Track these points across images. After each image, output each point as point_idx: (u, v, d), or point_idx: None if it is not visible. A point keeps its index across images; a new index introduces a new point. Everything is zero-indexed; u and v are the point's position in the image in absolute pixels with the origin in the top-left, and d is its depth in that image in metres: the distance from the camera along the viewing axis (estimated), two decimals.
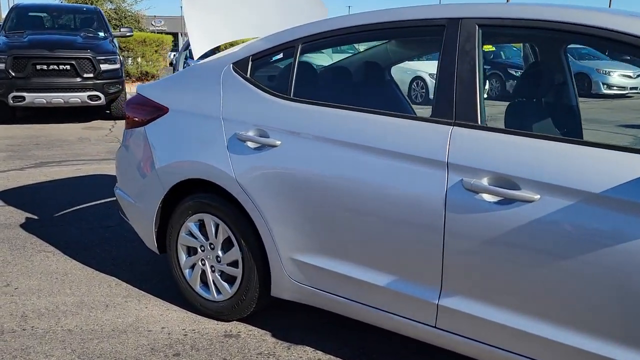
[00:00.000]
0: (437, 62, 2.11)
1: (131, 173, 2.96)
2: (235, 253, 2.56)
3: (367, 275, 2.18)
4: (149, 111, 2.85)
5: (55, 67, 8.55)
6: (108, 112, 9.55)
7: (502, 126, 2.15)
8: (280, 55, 2.56)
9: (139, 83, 14.97)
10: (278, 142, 2.34)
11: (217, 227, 2.62)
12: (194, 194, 2.68)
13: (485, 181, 1.86)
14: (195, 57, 2.87)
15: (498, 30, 2.08)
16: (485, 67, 2.11)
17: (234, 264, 2.60)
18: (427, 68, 11.19)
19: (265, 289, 2.55)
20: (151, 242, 2.90)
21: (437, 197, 1.94)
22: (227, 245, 2.61)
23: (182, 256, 2.79)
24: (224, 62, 2.68)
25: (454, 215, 1.91)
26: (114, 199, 4.71)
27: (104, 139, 7.73)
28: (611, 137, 8.17)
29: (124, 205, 3.06)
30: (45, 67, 8.48)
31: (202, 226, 2.70)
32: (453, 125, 1.97)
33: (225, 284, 2.64)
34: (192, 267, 2.78)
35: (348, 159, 2.16)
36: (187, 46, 2.79)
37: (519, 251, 1.81)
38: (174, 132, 2.72)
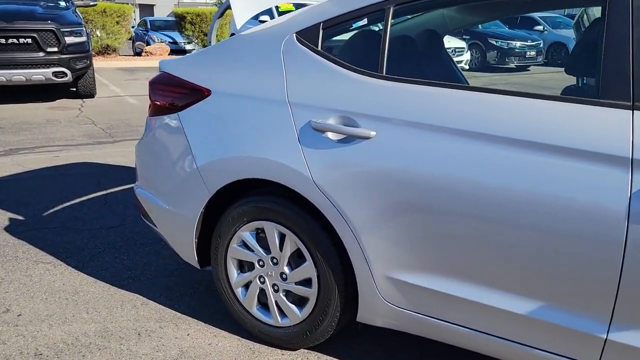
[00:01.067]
0: (585, 23, 1.64)
1: (161, 171, 2.41)
2: (308, 270, 2.07)
3: (503, 301, 1.73)
4: (184, 94, 2.30)
5: (15, 40, 7.66)
6: (74, 89, 8.72)
7: None
8: (364, 21, 2.04)
9: (100, 58, 13.96)
10: (372, 133, 1.84)
11: (282, 237, 2.12)
12: (249, 197, 2.17)
13: None
14: (238, 25, 2.31)
15: None
16: None
17: (306, 282, 2.11)
18: None
19: (348, 313, 2.09)
20: (190, 254, 2.38)
21: (616, 204, 1.49)
22: (295, 260, 2.12)
23: (233, 272, 2.28)
24: (283, 31, 2.14)
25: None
26: (109, 192, 4.14)
27: (76, 121, 6.98)
28: None
29: (150, 209, 2.52)
30: (3, 40, 7.59)
31: (260, 236, 2.19)
32: (633, 110, 1.52)
33: (293, 307, 2.16)
34: (247, 285, 2.28)
35: (474, 153, 1.69)
36: (222, 12, 2.32)
37: None
38: (220, 121, 2.18)
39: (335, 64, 1.99)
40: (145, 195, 2.53)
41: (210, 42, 2.52)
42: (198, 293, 2.70)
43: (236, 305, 2.31)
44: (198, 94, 2.25)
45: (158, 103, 2.39)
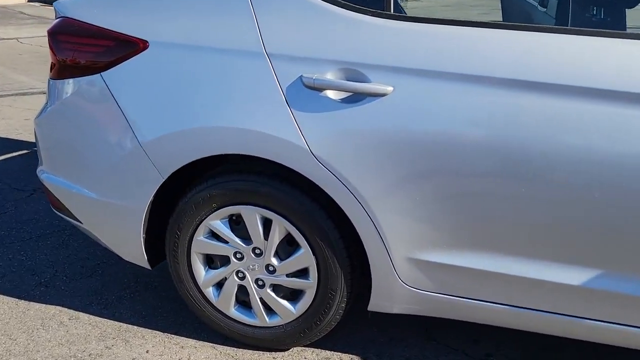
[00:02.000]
0: None
1: (81, 152, 1.84)
2: (304, 259, 1.70)
3: (544, 271, 1.52)
4: (108, 49, 1.72)
5: None
6: None
7: None
8: None
9: None
10: (389, 89, 1.47)
11: (266, 223, 1.71)
12: (217, 178, 1.71)
13: None
14: None
15: None
16: None
17: (301, 273, 1.75)
18: None
19: (353, 303, 1.78)
20: (137, 253, 1.88)
21: None
22: (284, 249, 1.74)
23: (200, 270, 1.84)
24: None
25: None
26: None
27: None
28: None
29: (66, 200, 1.94)
30: None
31: (234, 224, 1.76)
32: None
33: (285, 303, 1.79)
34: (219, 284, 1.86)
35: (522, 106, 1.40)
36: None
37: None
38: (168, 83, 1.66)
39: (330, 2, 1.55)
40: (56, 183, 1.94)
41: None
42: (138, 293, 2.21)
43: (207, 308, 1.88)
44: (129, 47, 1.69)
45: (68, 61, 1.78)
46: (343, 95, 1.52)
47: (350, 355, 1.86)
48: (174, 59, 1.65)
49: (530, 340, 1.90)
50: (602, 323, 1.53)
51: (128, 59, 1.69)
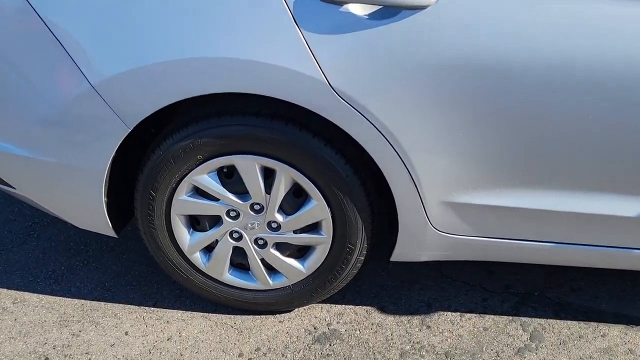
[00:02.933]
0: None
1: (8, 98, 1.37)
2: (317, 211, 1.41)
3: (595, 204, 1.34)
4: None
5: None
6: None
7: None
8: None
9: None
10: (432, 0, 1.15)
11: (266, 174, 1.39)
12: (201, 122, 1.34)
13: None
14: None
15: None
16: None
17: (311, 228, 1.47)
18: None
19: (375, 253, 1.54)
20: (97, 221, 1.50)
21: None
22: (290, 202, 1.44)
23: (184, 234, 1.50)
24: None
25: None
26: None
27: None
28: None
29: None
30: None
31: (226, 177, 1.43)
32: None
33: (292, 261, 1.52)
34: (208, 248, 1.54)
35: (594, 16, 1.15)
36: None
37: None
38: None
39: None
40: None
41: None
42: (93, 258, 1.84)
43: (195, 276, 1.57)
44: None
45: None
46: (372, 9, 1.17)
47: (365, 307, 1.66)
48: None
49: (544, 267, 1.79)
50: None
51: None
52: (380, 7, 1.17)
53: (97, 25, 1.24)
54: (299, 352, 1.52)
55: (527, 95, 1.21)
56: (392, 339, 1.55)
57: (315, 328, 1.59)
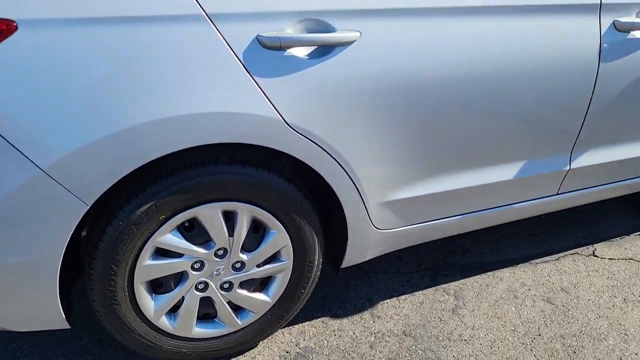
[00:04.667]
0: None
1: None
2: (278, 241, 1.51)
3: (488, 176, 1.72)
4: None
5: None
6: None
7: None
8: None
9: None
10: (356, 34, 1.36)
11: (231, 218, 1.45)
12: (161, 182, 1.34)
13: (635, 17, 1.67)
14: None
15: None
16: None
17: (271, 258, 1.56)
18: None
19: (332, 264, 1.69)
20: (47, 316, 1.37)
21: (592, 42, 1.62)
22: (251, 239, 1.51)
23: (148, 301, 1.46)
24: None
25: (607, 64, 1.67)
26: None
27: None
28: None
29: None
30: None
31: (186, 231, 1.44)
32: None
33: (258, 295, 1.59)
34: (173, 308, 1.51)
35: (484, 29, 1.49)
36: None
37: None
38: (61, 74, 1.17)
39: None
40: None
41: None
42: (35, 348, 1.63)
43: (165, 342, 1.53)
44: None
45: None
46: (310, 49, 1.34)
47: (320, 319, 1.79)
48: (66, 41, 1.17)
49: (437, 241, 2.13)
50: (520, 204, 1.84)
51: None
52: (316, 47, 1.35)
53: (37, 111, 1.17)
54: None
55: (437, 106, 1.50)
56: (356, 337, 1.71)
57: (287, 352, 1.67)
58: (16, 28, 1.13)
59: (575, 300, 1.86)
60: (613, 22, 1.64)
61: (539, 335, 1.72)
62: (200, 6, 1.24)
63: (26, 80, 1.15)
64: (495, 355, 1.64)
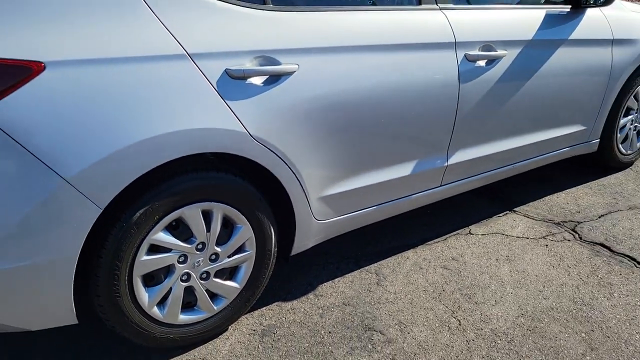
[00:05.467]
0: None
1: None
2: (245, 234, 1.88)
3: (394, 172, 2.24)
4: None
5: None
6: None
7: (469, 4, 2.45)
8: None
9: None
10: (295, 67, 1.82)
11: (207, 216, 1.80)
12: (155, 188, 1.66)
13: (478, 50, 2.32)
14: None
15: None
16: None
17: (238, 250, 1.91)
18: None
19: (284, 253, 2.08)
20: (60, 313, 1.60)
21: (452, 70, 2.23)
22: (222, 234, 1.86)
23: (143, 293, 1.74)
24: None
25: (464, 85, 2.29)
26: None
27: None
28: None
29: None
30: None
31: (175, 228, 1.75)
32: (440, 10, 2.23)
33: (229, 282, 1.92)
34: (163, 299, 1.80)
35: (382, 64, 2.02)
36: None
37: (500, 100, 2.44)
38: (83, 103, 1.48)
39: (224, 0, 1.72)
40: None
41: None
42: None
43: (156, 329, 1.79)
44: (19, 73, 1.41)
45: None
46: (264, 78, 1.77)
47: (275, 304, 2.15)
48: (83, 78, 1.48)
49: (353, 231, 2.61)
50: (416, 194, 2.39)
51: (21, 86, 1.41)
52: (267, 76, 1.78)
53: (61, 133, 1.45)
54: (257, 348, 1.92)
55: (355, 120, 1.99)
56: (307, 311, 2.10)
57: (254, 330, 2.01)
58: (44, 68, 1.43)
59: (464, 265, 2.42)
60: (465, 55, 2.28)
61: (443, 290, 2.24)
62: (184, 48, 1.62)
63: (52, 109, 1.45)
64: (415, 307, 2.12)
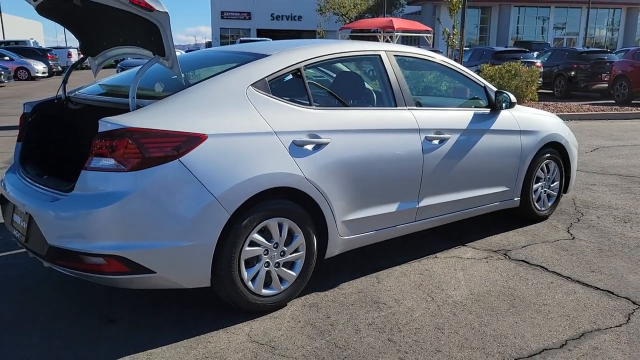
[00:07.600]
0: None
1: (166, 216, 2.60)
2: (299, 240, 3.10)
3: (386, 208, 3.52)
4: (180, 143, 2.64)
5: None
6: None
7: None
8: (290, 76, 3.14)
9: None
10: (328, 140, 3.15)
11: (280, 226, 3.02)
12: (255, 206, 2.88)
13: (434, 134, 3.72)
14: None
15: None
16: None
17: (297, 250, 3.12)
18: None
19: (320, 257, 3.27)
20: (203, 277, 2.76)
21: (417, 146, 3.61)
22: (286, 239, 3.07)
23: (244, 271, 2.91)
24: (240, 83, 2.94)
25: (427, 155, 3.66)
26: None
27: None
28: None
29: (149, 259, 2.60)
30: None
31: (263, 232, 2.96)
32: (409, 110, 3.65)
33: (289, 271, 3.10)
34: (255, 277, 2.96)
35: (377, 140, 3.38)
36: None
37: (449, 165, 3.80)
38: (224, 156, 2.75)
39: (287, 102, 3.07)
40: (141, 247, 2.59)
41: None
42: (138, 313, 2.86)
43: (249, 297, 2.94)
44: (196, 140, 2.68)
45: (151, 155, 2.56)
46: (312, 145, 3.09)
47: (311, 293, 3.31)
48: (225, 143, 2.77)
49: (361, 255, 3.83)
50: (400, 225, 3.66)
51: (195, 147, 2.68)
52: (314, 144, 3.10)
53: (213, 171, 2.71)
54: (307, 314, 3.05)
55: (367, 172, 3.31)
56: (338, 296, 3.26)
57: (304, 305, 3.15)
58: (207, 137, 2.72)
59: (433, 272, 3.64)
60: (425, 136, 3.67)
61: (421, 284, 3.45)
62: (272, 128, 2.94)
63: (210, 159, 2.72)
64: (403, 292, 3.31)
